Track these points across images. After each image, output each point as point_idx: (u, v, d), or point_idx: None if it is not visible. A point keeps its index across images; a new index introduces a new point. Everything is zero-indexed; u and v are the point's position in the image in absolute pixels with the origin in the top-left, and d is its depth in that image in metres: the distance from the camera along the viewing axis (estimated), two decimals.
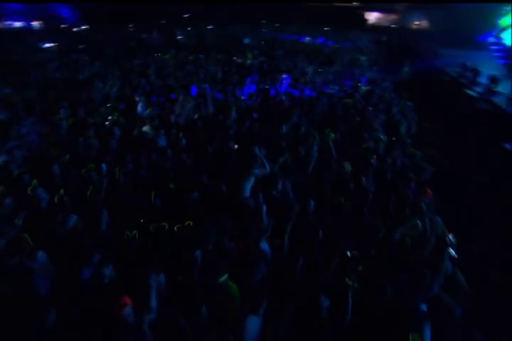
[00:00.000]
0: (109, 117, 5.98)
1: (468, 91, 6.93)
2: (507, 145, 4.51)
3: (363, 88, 7.27)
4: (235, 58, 10.69)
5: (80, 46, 13.26)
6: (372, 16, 25.18)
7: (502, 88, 6.28)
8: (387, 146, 4.25)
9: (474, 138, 5.06)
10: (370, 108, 5.63)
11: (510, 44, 10.60)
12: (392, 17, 24.44)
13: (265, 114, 5.88)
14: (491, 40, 11.76)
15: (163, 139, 4.94)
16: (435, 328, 2.02)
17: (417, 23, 22.72)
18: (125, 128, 5.49)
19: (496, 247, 3.20)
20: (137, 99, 6.73)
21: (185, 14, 23.65)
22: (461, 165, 4.39)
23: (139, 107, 6.45)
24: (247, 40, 14.39)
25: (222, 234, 2.94)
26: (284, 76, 7.89)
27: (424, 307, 2.20)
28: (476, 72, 7.78)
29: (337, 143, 4.37)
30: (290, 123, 4.92)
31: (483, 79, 7.17)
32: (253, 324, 2.31)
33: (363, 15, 24.46)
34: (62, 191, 3.78)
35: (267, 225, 2.98)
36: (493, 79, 6.81)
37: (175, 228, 3.12)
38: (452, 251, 2.60)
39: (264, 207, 3.10)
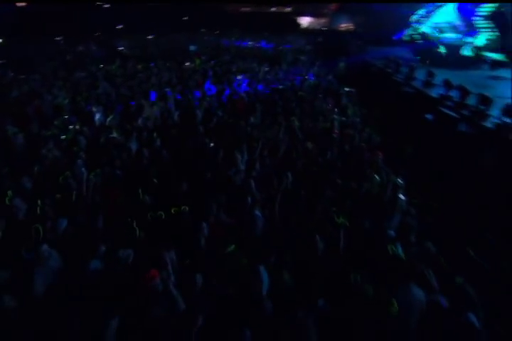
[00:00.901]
0: (70, 127, 5.98)
1: (394, 78, 8.31)
2: (427, 116, 5.68)
3: (311, 82, 8.27)
4: (186, 64, 11.07)
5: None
6: (304, 21, 27.55)
7: (417, 74, 7.68)
8: (341, 125, 5.09)
9: (403, 113, 6.25)
10: (320, 96, 6.53)
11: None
12: (322, 20, 27.04)
13: (229, 111, 6.41)
14: (405, 37, 13.97)
15: (134, 143, 5.15)
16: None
17: (344, 25, 25.60)
18: (91, 137, 5.56)
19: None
20: (94, 109, 6.77)
21: (118, 26, 23.35)
22: (397, 134, 5.45)
23: (98, 116, 6.52)
24: (192, 48, 14.85)
25: (219, 209, 3.36)
26: (239, 77, 8.54)
27: (392, 232, 2.91)
28: (399, 64, 9.27)
29: (300, 127, 5.07)
30: (256, 115, 5.51)
31: (404, 69, 8.60)
32: (263, 273, 2.75)
33: (296, 20, 26.69)
34: (39, 201, 3.83)
35: (257, 196, 3.47)
36: (411, 68, 8.27)
37: (172, 211, 3.46)
38: (401, 195, 3.39)
39: (252, 183, 3.60)
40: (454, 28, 10.79)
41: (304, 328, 2.12)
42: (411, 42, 13.05)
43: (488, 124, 4.71)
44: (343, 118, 5.43)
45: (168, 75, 9.35)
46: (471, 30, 10.01)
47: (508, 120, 4.49)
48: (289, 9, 27.20)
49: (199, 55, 12.93)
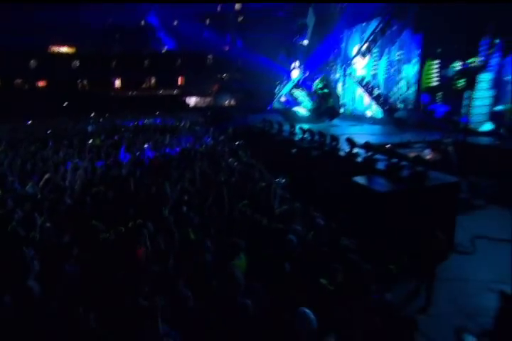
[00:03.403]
0: None
1: (270, 132, 11.81)
2: (293, 150, 8.75)
3: (207, 142, 10.98)
4: (89, 142, 12.38)
5: None
6: (191, 100, 32.97)
7: (284, 128, 11.32)
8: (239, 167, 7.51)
9: (277, 152, 9.41)
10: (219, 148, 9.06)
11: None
12: (208, 99, 33.02)
13: (145, 169, 8.12)
14: (274, 106, 19.37)
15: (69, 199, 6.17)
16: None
17: (226, 102, 31.97)
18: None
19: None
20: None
21: None
22: (275, 163, 8.23)
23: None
24: (90, 128, 16.32)
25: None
26: (145, 145, 10.55)
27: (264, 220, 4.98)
28: (272, 123, 13.12)
29: (204, 174, 7.14)
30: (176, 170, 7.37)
31: (276, 125, 12.30)
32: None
33: (185, 100, 31.80)
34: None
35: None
36: (280, 124, 12.01)
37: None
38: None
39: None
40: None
41: None
42: (278, 109, 18.08)
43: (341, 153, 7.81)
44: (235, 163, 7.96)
45: (71, 151, 10.53)
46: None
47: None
48: (176, 91, 32.18)
49: (98, 135, 14.52)
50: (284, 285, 3.05)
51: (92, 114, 25.38)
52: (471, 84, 9.90)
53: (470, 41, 9.96)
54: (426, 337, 3.74)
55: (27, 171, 8.26)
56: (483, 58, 9.79)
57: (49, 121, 21.28)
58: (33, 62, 28.25)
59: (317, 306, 2.65)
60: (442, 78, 11.41)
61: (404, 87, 13.62)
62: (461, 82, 10.27)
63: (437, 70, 11.70)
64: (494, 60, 9.71)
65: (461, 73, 10.34)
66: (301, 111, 15.87)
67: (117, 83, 31.68)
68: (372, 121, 15.23)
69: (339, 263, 3.15)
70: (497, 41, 9.57)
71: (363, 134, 11.05)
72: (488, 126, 9.61)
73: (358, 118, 16.29)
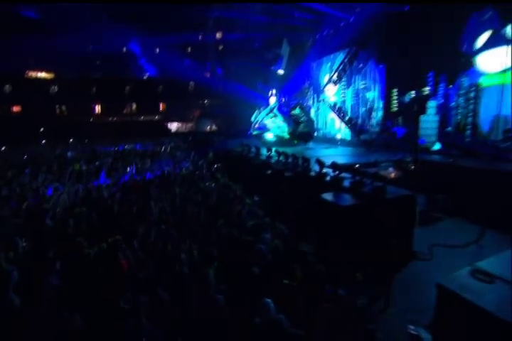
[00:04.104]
0: None
1: (248, 156, 12.58)
2: (268, 172, 9.46)
3: (187, 166, 11.56)
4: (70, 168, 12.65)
5: None
6: (173, 126, 33.76)
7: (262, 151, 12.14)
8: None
9: (250, 173, 10.05)
10: (197, 172, 9.64)
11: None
12: (189, 125, 33.94)
13: (126, 192, 8.51)
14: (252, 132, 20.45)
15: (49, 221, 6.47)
16: None
17: (207, 128, 32.99)
18: None
19: None
20: None
21: None
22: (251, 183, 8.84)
23: None
24: (70, 154, 16.56)
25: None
26: (128, 168, 10.98)
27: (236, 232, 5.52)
28: (250, 147, 13.93)
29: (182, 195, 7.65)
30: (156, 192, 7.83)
31: (253, 149, 13.09)
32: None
33: (166, 126, 32.54)
34: None
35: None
36: (257, 148, 12.81)
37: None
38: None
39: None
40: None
41: None
42: (257, 134, 19.07)
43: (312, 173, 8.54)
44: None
45: (50, 176, 10.76)
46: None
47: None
48: (158, 117, 32.91)
49: (78, 160, 14.79)
50: (253, 285, 3.55)
51: (71, 140, 25.56)
52: (422, 110, 11.55)
53: (421, 74, 11.86)
54: (383, 331, 4.27)
55: (3, 197, 8.44)
56: (431, 88, 11.61)
57: (25, 147, 21.32)
58: (7, 87, 28.39)
59: (281, 299, 3.17)
60: (401, 104, 13.11)
61: (372, 111, 15.07)
62: (415, 108, 11.87)
63: (397, 97, 13.38)
64: (440, 90, 11.49)
65: (414, 100, 11.93)
66: (269, 136, 17.13)
67: (97, 109, 32.12)
68: (344, 143, 16.45)
69: (298, 264, 3.70)
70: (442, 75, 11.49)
71: (335, 155, 12.03)
72: (437, 146, 11.01)
73: (331, 140, 17.56)
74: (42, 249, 5.18)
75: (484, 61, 10.29)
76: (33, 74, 29.97)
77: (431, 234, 7.28)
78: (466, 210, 7.82)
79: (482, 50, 10.23)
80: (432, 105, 11.57)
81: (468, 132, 10.65)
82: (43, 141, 24.26)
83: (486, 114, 10.36)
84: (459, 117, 11.03)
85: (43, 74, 30.35)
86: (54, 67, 29.43)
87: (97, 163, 13.31)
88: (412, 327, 4.09)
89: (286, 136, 16.37)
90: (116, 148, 21.92)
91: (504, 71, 9.64)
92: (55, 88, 30.27)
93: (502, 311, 2.63)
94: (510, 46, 9.41)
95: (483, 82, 10.38)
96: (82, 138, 26.11)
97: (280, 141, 16.22)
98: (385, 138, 13.28)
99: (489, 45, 9.98)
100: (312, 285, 3.55)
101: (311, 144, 16.45)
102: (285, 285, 3.54)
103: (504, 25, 9.55)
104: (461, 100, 10.88)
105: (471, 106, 10.48)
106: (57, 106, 30.51)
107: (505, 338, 2.51)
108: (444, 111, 11.34)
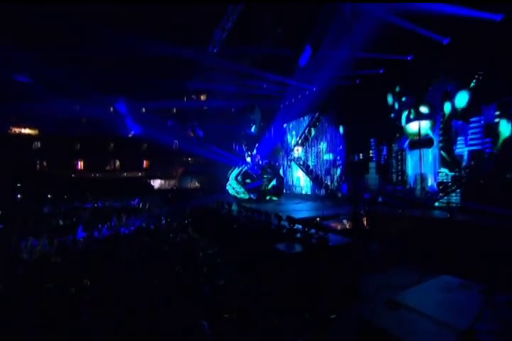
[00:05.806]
0: None
1: (220, 211, 13.66)
2: (234, 226, 10.47)
3: (162, 221, 12.49)
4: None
5: None
6: (156, 183, 34.86)
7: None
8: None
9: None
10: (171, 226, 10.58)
11: None
12: (172, 182, 35.18)
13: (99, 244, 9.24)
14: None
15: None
16: None
17: (189, 184, 34.29)
18: None
19: None
20: None
21: None
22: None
23: None
24: (46, 209, 17.13)
25: None
26: (100, 225, 11.77)
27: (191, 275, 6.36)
28: (223, 203, 15.11)
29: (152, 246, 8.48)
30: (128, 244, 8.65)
31: (226, 205, 14.24)
32: None
33: (150, 182, 33.59)
34: None
35: None
36: (229, 205, 14.01)
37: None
38: None
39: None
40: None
41: None
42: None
43: None
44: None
45: (25, 230, 11.35)
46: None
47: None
48: (141, 174, 34.09)
49: (54, 215, 15.41)
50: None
51: (49, 196, 25.90)
52: (366, 169, 14.06)
53: (365, 139, 14.65)
54: None
55: None
56: (374, 152, 14.14)
57: None
58: None
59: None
60: (350, 164, 15.61)
61: (333, 170, 17.13)
62: (361, 168, 14.42)
63: (350, 158, 15.63)
64: (382, 154, 14.02)
65: (361, 161, 14.19)
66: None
67: (80, 165, 33.06)
68: (312, 198, 17.96)
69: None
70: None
71: (301, 210, 13.29)
72: (380, 199, 13.11)
73: (301, 196, 19.12)
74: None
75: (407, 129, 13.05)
76: (16, 130, 31.24)
77: (380, 276, 8.11)
78: (413, 254, 8.87)
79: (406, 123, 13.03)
80: (372, 166, 14.35)
81: (400, 187, 12.98)
82: (19, 196, 24.48)
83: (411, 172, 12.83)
84: (393, 175, 13.46)
85: (27, 131, 31.66)
86: (38, 124, 30.71)
87: (73, 219, 13.98)
88: None
89: (245, 196, 18.03)
90: (95, 204, 22.51)
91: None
92: (37, 144, 31.40)
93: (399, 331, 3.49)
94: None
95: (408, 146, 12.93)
96: (62, 193, 26.55)
97: (250, 199, 17.66)
98: (344, 193, 14.90)
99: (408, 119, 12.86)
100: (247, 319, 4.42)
101: (283, 200, 17.84)
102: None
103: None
104: (393, 161, 13.41)
105: (399, 167, 13.02)
106: (37, 162, 31.23)
107: None
108: (382, 170, 13.82)
